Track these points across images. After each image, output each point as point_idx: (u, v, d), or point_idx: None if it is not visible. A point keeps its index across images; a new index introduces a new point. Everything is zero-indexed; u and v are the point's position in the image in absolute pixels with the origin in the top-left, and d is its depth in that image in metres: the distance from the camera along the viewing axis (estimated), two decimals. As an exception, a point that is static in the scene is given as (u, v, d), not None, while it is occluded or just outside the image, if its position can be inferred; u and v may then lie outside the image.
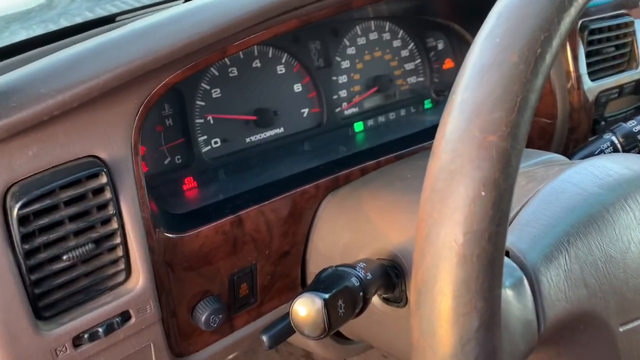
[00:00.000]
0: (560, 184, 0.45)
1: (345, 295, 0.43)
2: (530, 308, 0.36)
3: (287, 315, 0.56)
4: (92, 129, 0.50)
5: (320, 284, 0.44)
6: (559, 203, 0.43)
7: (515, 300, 0.35)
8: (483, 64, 0.32)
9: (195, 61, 0.53)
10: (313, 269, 0.68)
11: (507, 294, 0.35)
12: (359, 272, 0.46)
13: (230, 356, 0.74)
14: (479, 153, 0.30)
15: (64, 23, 0.83)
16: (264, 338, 0.55)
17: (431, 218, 0.31)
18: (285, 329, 0.55)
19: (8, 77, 0.47)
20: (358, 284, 0.45)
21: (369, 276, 0.46)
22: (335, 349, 0.77)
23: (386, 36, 0.87)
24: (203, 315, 0.61)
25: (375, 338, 0.62)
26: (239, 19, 0.51)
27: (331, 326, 0.41)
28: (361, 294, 0.45)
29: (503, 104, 0.30)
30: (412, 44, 0.89)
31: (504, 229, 0.30)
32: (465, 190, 0.30)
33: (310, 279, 0.71)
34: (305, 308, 0.41)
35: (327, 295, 0.41)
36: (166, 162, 0.70)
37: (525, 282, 0.37)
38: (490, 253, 0.30)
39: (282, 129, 0.78)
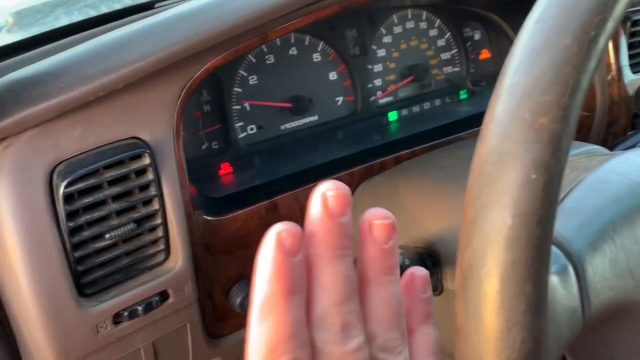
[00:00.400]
0: (605, 173, 0.45)
1: (384, 280, 0.43)
2: (575, 295, 0.35)
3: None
4: (135, 111, 0.51)
5: (359, 268, 0.44)
6: (603, 192, 0.42)
7: (560, 287, 0.35)
8: (534, 46, 0.32)
9: (236, 46, 0.54)
10: (346, 256, 0.68)
11: (553, 280, 0.35)
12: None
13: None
14: (529, 135, 0.30)
15: (104, 9, 0.84)
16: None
17: (479, 201, 0.31)
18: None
19: (56, 59, 0.49)
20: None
21: (407, 262, 0.46)
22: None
23: (423, 25, 0.86)
24: (238, 297, 0.62)
25: (408, 326, 0.62)
26: (281, 3, 0.51)
27: (371, 309, 0.41)
28: (399, 279, 0.45)
29: (555, 86, 0.30)
30: (448, 34, 0.89)
31: (554, 213, 0.30)
32: (515, 172, 0.30)
33: (342, 266, 0.71)
34: (345, 290, 0.41)
35: (367, 279, 0.42)
36: (203, 147, 0.71)
37: (571, 269, 0.36)
38: (539, 236, 0.29)
39: (316, 117, 0.79)
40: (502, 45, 0.91)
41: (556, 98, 0.30)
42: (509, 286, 0.29)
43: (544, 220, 0.30)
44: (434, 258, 0.54)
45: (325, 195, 0.27)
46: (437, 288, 0.55)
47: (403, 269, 0.47)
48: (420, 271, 0.35)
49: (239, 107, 0.72)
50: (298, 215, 0.65)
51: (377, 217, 0.29)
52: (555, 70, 0.30)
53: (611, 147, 0.78)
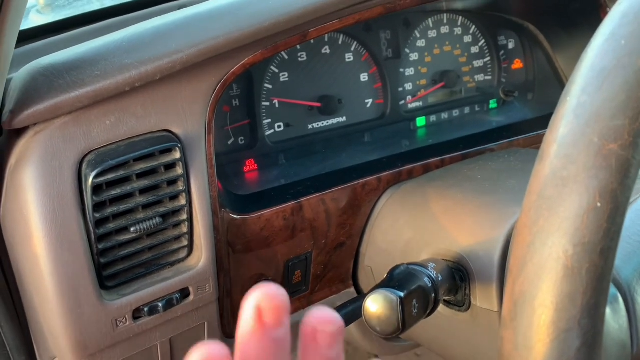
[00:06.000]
0: (654, 199, 0.43)
1: (419, 295, 0.42)
2: (625, 328, 0.34)
3: (345, 305, 0.56)
4: (169, 104, 0.50)
5: (393, 281, 0.42)
6: (654, 219, 0.41)
7: (611, 319, 0.33)
8: (604, 67, 0.30)
9: (275, 43, 0.52)
10: (369, 262, 0.67)
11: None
12: (431, 272, 0.44)
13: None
14: (596, 161, 0.28)
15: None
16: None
17: (537, 226, 0.29)
18: (350, 315, 0.54)
19: (93, 45, 0.47)
20: (430, 284, 0.43)
21: (440, 277, 0.45)
22: (380, 344, 0.76)
23: (457, 31, 0.84)
24: (257, 299, 0.61)
25: (430, 340, 0.60)
26: (326, 2, 0.49)
27: (405, 325, 0.40)
28: (433, 295, 0.43)
29: (627, 110, 0.29)
30: (482, 41, 0.87)
31: (617, 244, 0.29)
32: (580, 199, 0.28)
33: (363, 272, 0.69)
34: (380, 304, 0.40)
35: (403, 293, 0.40)
36: (230, 142, 0.69)
37: (621, 300, 0.35)
38: (600, 268, 0.28)
39: (344, 118, 0.77)
40: (536, 56, 0.89)
41: (627, 123, 0.28)
42: (565, 319, 0.28)
43: (606, 252, 0.28)
44: (462, 273, 0.53)
45: (259, 308, 0.23)
46: (464, 304, 0.53)
47: (436, 284, 0.45)
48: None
49: (268, 103, 0.71)
50: (323, 218, 0.64)
51: (322, 323, 0.24)
52: (628, 94, 0.29)
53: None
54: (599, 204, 0.28)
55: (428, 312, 0.44)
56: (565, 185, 0.29)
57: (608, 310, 0.34)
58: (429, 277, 0.44)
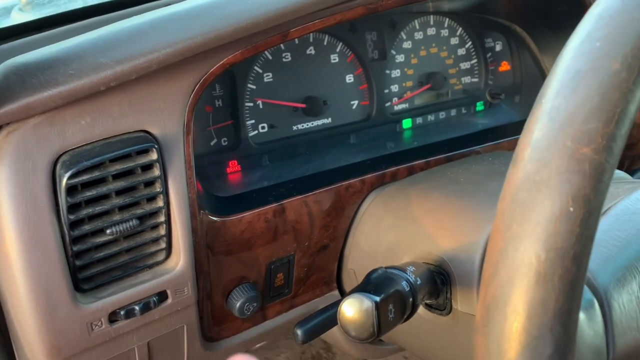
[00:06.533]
0: (634, 203, 0.43)
1: (395, 300, 0.41)
2: (600, 334, 0.33)
3: (323, 310, 0.55)
4: (146, 104, 0.49)
5: (370, 285, 0.42)
6: (633, 224, 0.40)
7: (586, 325, 0.33)
8: (579, 69, 0.30)
9: (256, 42, 0.52)
10: (352, 265, 0.66)
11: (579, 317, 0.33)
12: (409, 276, 0.44)
13: (258, 345, 0.73)
14: (569, 165, 0.28)
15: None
16: (299, 332, 0.53)
17: (510, 230, 0.29)
18: (320, 324, 0.53)
19: (67, 44, 0.47)
20: (408, 288, 0.43)
21: (419, 281, 0.44)
22: (365, 349, 0.75)
23: (444, 32, 0.84)
24: (238, 301, 0.60)
25: (412, 344, 0.60)
26: (305, 2, 0.49)
27: (381, 330, 0.40)
28: (411, 299, 0.43)
29: (600, 114, 0.28)
30: (469, 43, 0.86)
31: (589, 250, 0.28)
32: (552, 204, 0.28)
33: (347, 275, 0.69)
34: (355, 309, 0.40)
35: (378, 298, 0.40)
36: (212, 143, 0.69)
37: (597, 305, 0.34)
38: (573, 274, 0.27)
39: (329, 120, 0.76)
40: (523, 58, 0.89)
41: (601, 127, 0.28)
42: (537, 326, 0.27)
43: (579, 257, 0.28)
44: (444, 276, 0.52)
45: None
46: (445, 308, 0.53)
47: (415, 288, 0.45)
48: None
49: (251, 104, 0.70)
50: (306, 220, 0.63)
51: None
52: (602, 97, 0.28)
53: (631, 172, 0.76)
54: (571, 209, 0.27)
55: (406, 316, 0.43)
56: (538, 189, 0.28)
57: (583, 316, 0.33)
58: (407, 281, 0.43)
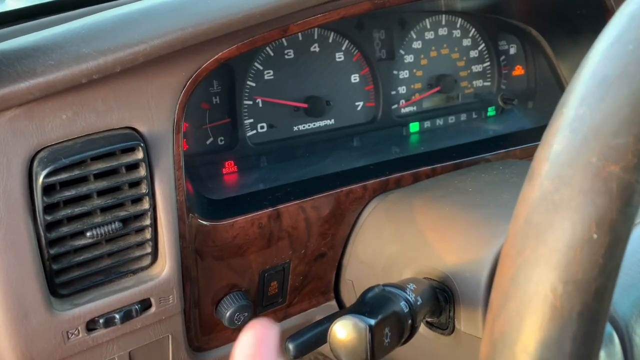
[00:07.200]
0: (658, 225, 0.39)
1: (392, 322, 0.38)
2: (620, 374, 0.30)
3: (317, 323, 0.51)
4: (133, 99, 0.46)
5: (365, 306, 0.38)
6: (656, 248, 0.36)
7: (604, 364, 0.29)
8: (607, 74, 0.26)
9: (252, 37, 0.48)
10: (350, 276, 0.62)
11: (596, 355, 0.29)
12: (408, 295, 0.40)
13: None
14: (594, 184, 0.24)
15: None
16: (290, 346, 0.50)
17: (522, 256, 0.25)
18: (314, 339, 0.50)
19: (48, 33, 0.43)
20: (407, 309, 0.39)
21: (419, 301, 0.41)
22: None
23: (456, 33, 0.80)
24: (228, 310, 0.57)
25: (410, 362, 0.56)
26: (307, -6, 0.45)
27: (374, 356, 0.36)
28: (409, 321, 0.39)
29: (631, 127, 0.24)
30: (482, 45, 0.83)
31: (614, 284, 0.24)
32: (572, 228, 0.24)
33: (344, 285, 0.65)
34: (348, 332, 0.36)
35: (373, 321, 0.36)
36: (208, 142, 0.65)
37: (616, 339, 0.30)
38: (594, 311, 0.24)
39: (332, 121, 0.73)
40: (538, 62, 0.85)
41: (632, 142, 0.24)
42: (550, 369, 0.24)
43: (602, 292, 0.24)
44: (447, 294, 0.49)
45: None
46: (447, 327, 0.49)
47: (414, 309, 0.41)
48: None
49: (250, 102, 0.67)
50: (303, 227, 0.60)
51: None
52: (634, 107, 0.25)
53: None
54: (595, 235, 0.24)
55: (403, 340, 0.39)
56: (556, 210, 0.25)
57: (602, 353, 0.30)
58: (407, 300, 0.40)
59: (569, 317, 0.24)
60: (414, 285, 0.42)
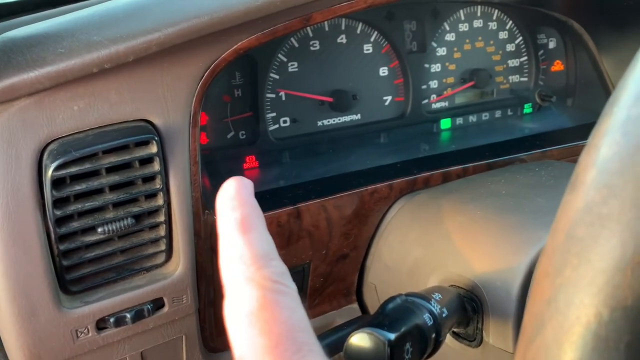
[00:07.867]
0: None
1: (414, 336, 0.35)
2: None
3: (333, 331, 0.49)
4: (148, 90, 0.44)
5: (385, 318, 0.35)
6: None
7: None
8: (667, 68, 0.23)
9: (273, 26, 0.46)
10: (373, 279, 0.60)
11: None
12: (433, 306, 0.37)
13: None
14: (649, 196, 0.21)
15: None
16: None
17: (561, 275, 0.22)
18: (329, 349, 0.47)
19: (60, 20, 0.42)
20: (431, 322, 0.36)
21: (445, 313, 0.38)
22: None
23: (492, 25, 0.76)
24: (244, 312, 0.55)
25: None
26: (330, -19, 0.43)
27: (393, 374, 0.33)
28: (433, 335, 0.36)
29: (696, 130, 0.21)
30: (520, 38, 0.78)
31: (669, 311, 0.21)
32: (622, 246, 0.21)
33: (367, 288, 0.63)
34: (365, 346, 0.33)
35: (393, 336, 0.33)
36: (229, 135, 0.63)
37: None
38: (646, 343, 0.20)
39: (358, 116, 0.70)
40: (579, 57, 0.80)
41: (697, 148, 0.21)
42: (592, 407, 0.21)
43: (655, 321, 0.21)
44: (475, 303, 0.45)
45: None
46: (474, 339, 0.46)
47: (439, 322, 0.38)
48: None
49: (273, 95, 0.64)
50: (324, 226, 0.57)
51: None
52: (699, 107, 0.21)
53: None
54: (649, 256, 0.20)
55: (426, 355, 0.37)
56: (603, 225, 0.21)
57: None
58: (431, 313, 0.37)
59: (615, 348, 0.21)
60: (440, 295, 0.39)
